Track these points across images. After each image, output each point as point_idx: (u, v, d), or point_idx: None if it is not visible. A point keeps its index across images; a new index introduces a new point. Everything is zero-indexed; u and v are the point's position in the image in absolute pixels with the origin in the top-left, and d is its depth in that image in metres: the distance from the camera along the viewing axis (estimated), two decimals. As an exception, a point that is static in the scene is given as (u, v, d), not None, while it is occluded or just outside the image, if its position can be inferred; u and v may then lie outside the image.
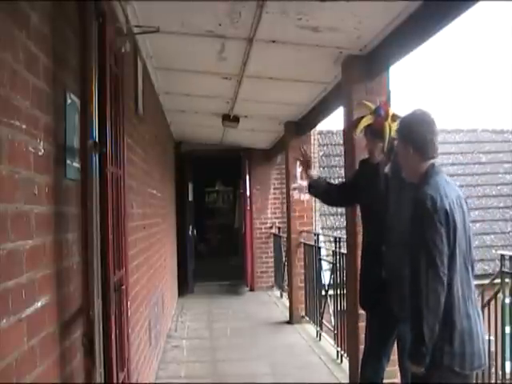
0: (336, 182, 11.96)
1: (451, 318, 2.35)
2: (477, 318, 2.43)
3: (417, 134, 2.49)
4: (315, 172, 3.74)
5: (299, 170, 7.27)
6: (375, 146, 3.36)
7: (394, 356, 3.72)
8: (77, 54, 2.32)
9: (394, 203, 3.18)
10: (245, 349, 6.11)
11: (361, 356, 4.09)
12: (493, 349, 4.25)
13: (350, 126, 3.57)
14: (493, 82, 46.35)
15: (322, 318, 6.47)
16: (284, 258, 8.71)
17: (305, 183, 7.31)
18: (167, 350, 6.10)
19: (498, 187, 12.26)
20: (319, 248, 6.78)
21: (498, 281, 4.15)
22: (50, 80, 1.94)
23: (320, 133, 12.10)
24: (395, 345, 3.40)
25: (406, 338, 3.00)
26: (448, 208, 2.34)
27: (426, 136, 2.49)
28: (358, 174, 3.66)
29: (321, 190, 3.79)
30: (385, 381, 3.90)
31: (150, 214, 5.07)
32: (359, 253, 4.08)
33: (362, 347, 4.08)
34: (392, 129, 3.28)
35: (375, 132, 3.33)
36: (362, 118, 3.46)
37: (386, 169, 3.28)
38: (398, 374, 3.70)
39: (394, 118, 3.34)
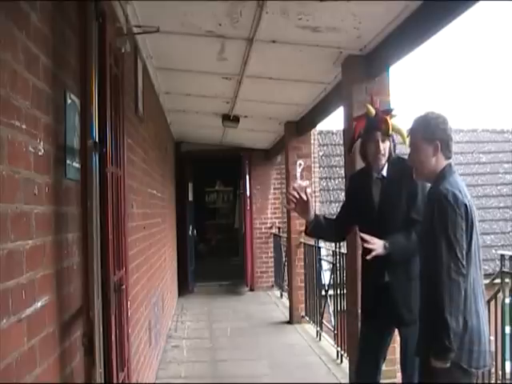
0: (336, 182, 11.98)
1: (462, 314, 2.35)
2: (484, 316, 2.45)
3: (445, 133, 2.52)
4: (312, 212, 3.36)
5: (299, 169, 7.28)
6: (386, 147, 3.23)
7: (394, 356, 3.72)
8: (77, 53, 2.32)
9: (393, 206, 3.15)
10: (245, 349, 6.11)
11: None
12: (493, 349, 4.25)
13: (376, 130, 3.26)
14: (493, 81, 46.35)
15: (322, 318, 6.47)
16: (284, 258, 8.71)
17: (305, 183, 7.34)
18: (167, 350, 6.10)
19: (498, 187, 12.26)
20: (319, 248, 6.78)
21: (498, 281, 4.15)
22: (50, 80, 1.94)
23: (320, 133, 12.09)
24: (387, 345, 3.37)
25: (410, 341, 2.97)
26: (468, 204, 2.37)
27: (451, 135, 2.54)
28: (352, 189, 3.49)
29: (320, 230, 3.46)
30: (385, 381, 3.90)
31: (150, 214, 5.07)
32: (359, 253, 4.08)
33: (362, 347, 4.08)
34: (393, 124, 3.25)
35: (384, 133, 3.22)
36: (386, 120, 3.26)
37: (384, 172, 3.22)
38: (398, 374, 3.70)
39: (389, 113, 3.30)
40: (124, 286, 3.00)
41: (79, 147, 2.27)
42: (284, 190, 8.59)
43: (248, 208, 10.24)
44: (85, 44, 2.34)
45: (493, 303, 4.08)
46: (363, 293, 3.40)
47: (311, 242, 6.97)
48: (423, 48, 3.49)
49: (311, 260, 6.89)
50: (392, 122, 3.24)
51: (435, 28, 3.14)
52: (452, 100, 41.49)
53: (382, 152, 3.20)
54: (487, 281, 4.88)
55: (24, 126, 1.65)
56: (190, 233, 10.23)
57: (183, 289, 9.59)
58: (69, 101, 2.15)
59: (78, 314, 2.21)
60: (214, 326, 7.33)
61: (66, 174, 2.10)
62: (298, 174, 7.29)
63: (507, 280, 3.99)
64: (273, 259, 10.00)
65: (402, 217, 3.14)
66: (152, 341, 4.91)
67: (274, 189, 10.16)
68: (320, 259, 6.75)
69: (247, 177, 10.22)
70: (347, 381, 4.62)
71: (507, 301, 3.99)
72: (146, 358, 4.46)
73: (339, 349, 5.50)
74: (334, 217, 3.64)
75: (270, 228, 10.10)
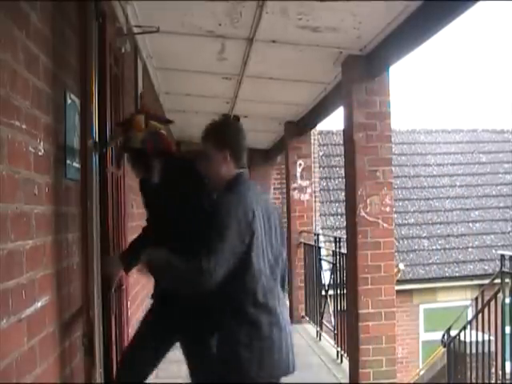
0: (336, 182, 11.97)
1: (249, 323, 2.27)
2: (282, 327, 2.34)
3: (236, 141, 2.42)
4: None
5: (299, 169, 7.28)
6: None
7: (394, 356, 3.72)
8: (77, 53, 2.32)
9: (161, 209, 2.81)
10: (245, 349, 6.09)
11: (361, 356, 4.10)
12: (493, 349, 4.25)
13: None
14: (493, 81, 46.34)
15: (322, 318, 6.47)
16: (284, 258, 8.70)
17: (305, 183, 7.34)
18: (167, 350, 6.08)
19: (498, 187, 12.26)
20: (319, 248, 6.77)
21: (498, 281, 4.16)
22: (50, 80, 1.94)
23: (320, 133, 12.09)
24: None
25: None
26: (249, 217, 2.25)
27: (243, 144, 2.45)
28: (144, 194, 3.05)
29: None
30: (384, 381, 3.90)
31: (150, 214, 5.06)
32: (359, 253, 4.09)
33: (362, 347, 4.09)
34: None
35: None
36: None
37: (156, 179, 2.80)
38: (398, 374, 3.70)
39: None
40: (124, 286, 3.00)
41: (79, 147, 2.27)
42: (284, 190, 8.58)
43: (248, 208, 10.22)
44: (85, 44, 2.34)
45: (493, 303, 4.09)
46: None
47: (311, 241, 6.97)
48: (423, 48, 3.49)
49: (311, 260, 6.88)
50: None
51: (435, 28, 3.14)
52: (452, 100, 41.52)
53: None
54: (487, 281, 4.89)
55: (24, 126, 1.65)
56: (190, 233, 10.20)
57: (183, 289, 9.57)
58: (69, 101, 2.15)
59: (78, 314, 2.21)
60: (214, 326, 7.31)
61: (66, 174, 2.10)
62: (298, 174, 7.29)
63: (507, 280, 4.00)
64: (273, 259, 9.98)
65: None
66: (152, 341, 4.90)
67: (274, 189, 10.15)
68: (320, 259, 6.75)
69: (247, 177, 10.21)
70: (347, 381, 4.62)
71: (507, 301, 4.00)
72: (146, 358, 4.45)
73: (339, 349, 5.50)
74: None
75: (270, 228, 10.09)
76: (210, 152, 2.39)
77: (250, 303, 2.28)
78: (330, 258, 6.33)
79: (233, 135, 2.43)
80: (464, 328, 5.10)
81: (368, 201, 4.08)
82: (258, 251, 2.28)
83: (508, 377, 4.08)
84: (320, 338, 6.40)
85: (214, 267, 2.15)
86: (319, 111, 5.97)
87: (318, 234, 7.32)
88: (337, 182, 11.80)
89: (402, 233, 11.00)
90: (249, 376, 2.25)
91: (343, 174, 4.79)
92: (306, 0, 3.27)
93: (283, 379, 2.24)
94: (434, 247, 11.01)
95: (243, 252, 2.23)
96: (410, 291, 10.18)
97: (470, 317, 5.29)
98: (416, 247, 10.97)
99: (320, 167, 11.72)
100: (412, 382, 8.91)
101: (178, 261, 2.26)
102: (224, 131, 2.43)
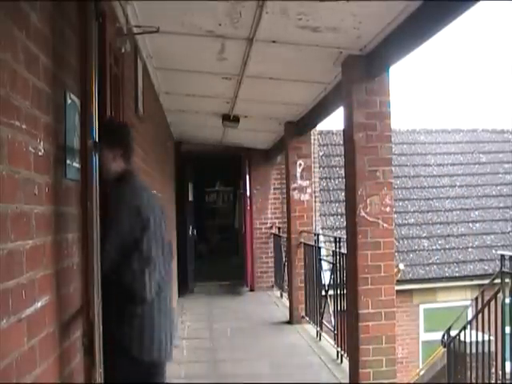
0: (336, 182, 11.98)
1: (134, 303, 2.50)
2: (164, 312, 2.61)
3: (125, 141, 2.70)
4: None
5: (299, 169, 7.28)
6: None
7: (394, 356, 3.72)
8: (77, 53, 2.32)
9: None
10: (245, 349, 6.11)
11: (361, 356, 4.10)
12: (493, 349, 4.26)
13: None
14: (493, 81, 46.30)
15: (322, 318, 6.47)
16: (284, 258, 8.71)
17: (305, 183, 7.34)
18: (167, 350, 6.09)
19: (498, 187, 12.26)
20: (319, 248, 6.78)
21: (498, 281, 4.16)
22: (50, 80, 1.93)
23: (320, 133, 12.09)
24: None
25: None
26: (140, 205, 2.54)
27: (132, 144, 2.76)
28: None
29: None
30: (384, 381, 3.91)
31: (150, 214, 5.06)
32: (359, 253, 4.09)
33: (362, 347, 4.09)
34: None
35: None
36: None
37: None
38: (398, 374, 3.70)
39: None
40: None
41: (79, 147, 2.27)
42: (284, 190, 8.59)
43: (248, 208, 10.23)
44: (85, 44, 2.34)
45: (493, 303, 4.09)
46: None
47: (311, 241, 6.97)
48: (423, 48, 3.49)
49: (311, 260, 6.89)
50: None
51: (435, 28, 3.14)
52: (452, 100, 41.50)
53: None
54: (487, 281, 4.89)
55: (24, 126, 1.65)
56: (190, 233, 10.23)
57: (183, 289, 9.58)
58: (69, 101, 2.14)
59: (77, 314, 2.21)
60: (214, 326, 7.33)
61: (66, 174, 2.10)
62: (298, 174, 7.29)
63: (507, 280, 4.00)
64: (273, 259, 10.00)
65: None
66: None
67: (274, 189, 10.16)
68: (320, 259, 6.75)
69: (247, 177, 10.22)
70: (347, 381, 4.62)
71: (507, 301, 4.00)
72: (146, 358, 4.45)
73: (339, 349, 5.50)
74: None
75: (270, 228, 10.10)
76: (103, 150, 2.60)
77: (139, 289, 2.48)
78: (330, 258, 6.33)
79: (123, 136, 2.71)
80: (464, 328, 5.10)
81: (368, 201, 4.09)
82: (151, 243, 2.54)
83: (508, 377, 4.08)
84: (320, 338, 6.40)
85: (104, 258, 2.37)
86: (319, 111, 5.97)
87: (318, 234, 7.32)
88: (337, 181, 11.81)
89: (402, 233, 11.01)
90: (131, 355, 2.46)
91: (343, 174, 4.79)
92: (306, 0, 3.27)
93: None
94: (434, 247, 11.01)
95: (136, 240, 2.49)
96: (410, 291, 10.19)
97: (469, 317, 5.30)
98: (416, 247, 10.97)
99: (320, 167, 11.72)
100: (412, 381, 8.91)
101: None
102: (115, 131, 2.70)
